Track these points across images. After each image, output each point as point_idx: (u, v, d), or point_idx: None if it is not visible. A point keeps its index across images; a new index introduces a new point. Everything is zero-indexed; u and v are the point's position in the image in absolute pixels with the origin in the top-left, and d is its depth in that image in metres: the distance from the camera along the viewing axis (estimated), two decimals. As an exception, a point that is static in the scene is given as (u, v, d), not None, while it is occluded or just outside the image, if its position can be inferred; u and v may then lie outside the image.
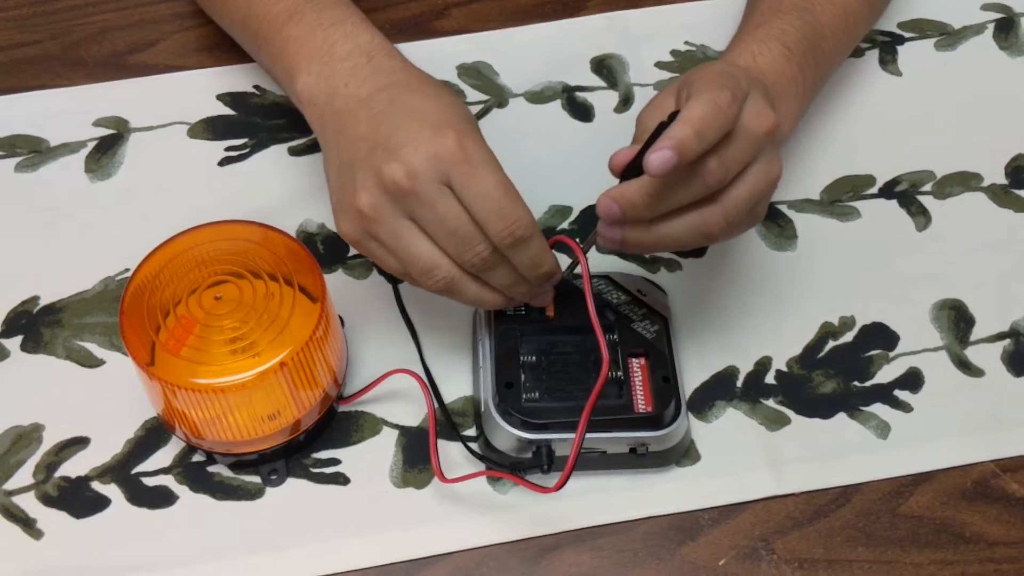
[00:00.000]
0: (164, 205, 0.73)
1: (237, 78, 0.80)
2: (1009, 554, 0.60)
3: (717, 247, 0.72)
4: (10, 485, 0.62)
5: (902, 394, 0.66)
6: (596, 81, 0.81)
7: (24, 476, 0.63)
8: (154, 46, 0.83)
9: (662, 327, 0.64)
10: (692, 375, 0.66)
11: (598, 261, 0.70)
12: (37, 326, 0.68)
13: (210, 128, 0.78)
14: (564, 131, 0.78)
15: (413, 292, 0.67)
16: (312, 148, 0.76)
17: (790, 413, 0.65)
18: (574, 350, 0.62)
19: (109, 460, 0.63)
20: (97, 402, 0.65)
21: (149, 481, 0.62)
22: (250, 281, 0.60)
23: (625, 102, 0.79)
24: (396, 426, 0.65)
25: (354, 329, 0.68)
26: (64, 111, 0.78)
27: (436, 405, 0.64)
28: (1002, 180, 0.75)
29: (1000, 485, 0.63)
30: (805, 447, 0.64)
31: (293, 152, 0.76)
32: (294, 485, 0.62)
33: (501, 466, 0.61)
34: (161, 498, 0.62)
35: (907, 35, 0.83)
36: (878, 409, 0.65)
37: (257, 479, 0.62)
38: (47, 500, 0.62)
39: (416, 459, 0.63)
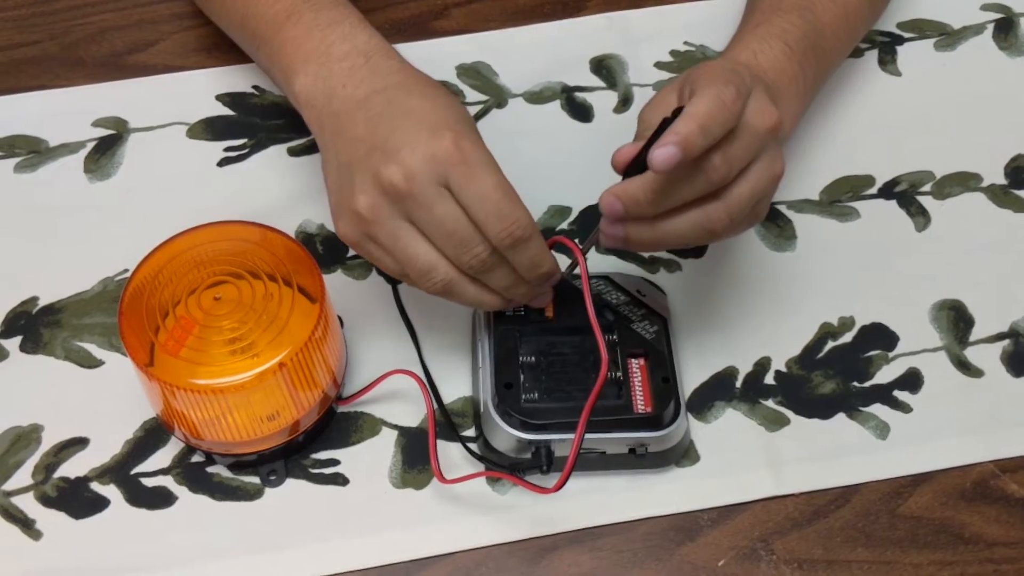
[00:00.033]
0: (163, 205, 0.73)
1: (236, 78, 0.80)
2: (1008, 554, 0.60)
3: (716, 247, 0.72)
4: (9, 486, 0.62)
5: (901, 394, 0.66)
6: (595, 81, 0.81)
7: (23, 477, 0.63)
8: (153, 46, 0.83)
9: (661, 327, 0.64)
10: (691, 375, 0.66)
11: (597, 262, 0.70)
12: (36, 326, 0.68)
13: (209, 128, 0.78)
14: (563, 131, 0.78)
15: (412, 293, 0.67)
16: (311, 149, 0.76)
17: (789, 413, 0.65)
18: (573, 351, 0.62)
19: (108, 461, 0.63)
20: (96, 403, 0.65)
21: (148, 482, 0.62)
22: (249, 282, 0.60)
23: (624, 102, 0.79)
24: (395, 427, 0.65)
25: (353, 330, 0.68)
26: (63, 111, 0.78)
27: (435, 406, 0.64)
28: (1001, 180, 0.75)
29: (999, 485, 0.63)
30: (804, 447, 0.64)
31: (292, 153, 0.76)
32: (293, 486, 0.62)
33: (500, 467, 0.61)
34: (160, 499, 0.62)
35: (906, 35, 0.83)
36: (877, 409, 0.65)
37: (256, 480, 0.62)
38: (46, 501, 0.62)
39: (415, 460, 0.63)
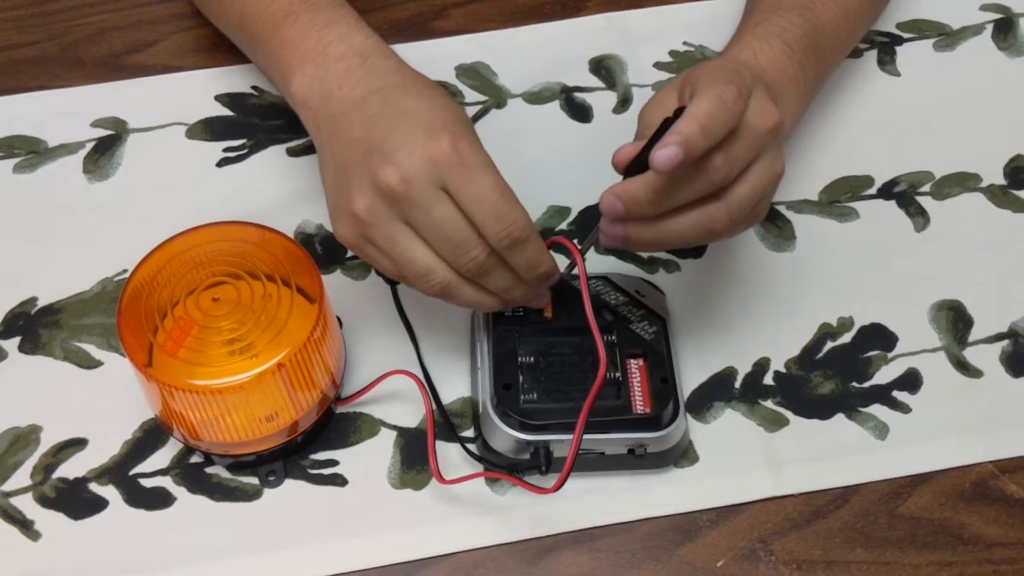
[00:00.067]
0: (162, 206, 0.73)
1: (235, 79, 0.80)
2: (1007, 555, 0.60)
3: (715, 248, 0.72)
4: (8, 486, 0.62)
5: (901, 395, 0.66)
6: (595, 82, 0.81)
7: (22, 477, 0.63)
8: (152, 47, 0.83)
9: (660, 328, 0.64)
10: (690, 376, 0.66)
11: (596, 262, 0.70)
12: (35, 327, 0.68)
13: (208, 129, 0.78)
14: (562, 132, 0.78)
15: (411, 293, 0.67)
16: (310, 149, 0.76)
17: (788, 414, 0.65)
18: (572, 351, 0.62)
19: (107, 461, 0.63)
20: (95, 403, 0.65)
21: (147, 482, 0.62)
22: (248, 282, 0.60)
23: (624, 103, 0.79)
24: (394, 427, 0.64)
25: (352, 330, 0.68)
26: (62, 112, 0.78)
27: (434, 406, 0.64)
28: (1000, 181, 0.75)
29: (998, 486, 0.63)
30: (803, 448, 0.64)
31: (291, 153, 0.76)
32: (292, 486, 0.62)
33: (499, 467, 0.61)
34: (159, 499, 0.62)
35: (906, 35, 0.83)
36: (876, 410, 0.65)
37: (255, 480, 0.62)
38: (45, 501, 0.62)
39: (414, 460, 0.63)
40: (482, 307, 0.60)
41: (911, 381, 0.66)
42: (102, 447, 0.64)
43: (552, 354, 0.62)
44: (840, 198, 0.74)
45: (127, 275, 0.60)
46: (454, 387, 0.66)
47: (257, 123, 0.78)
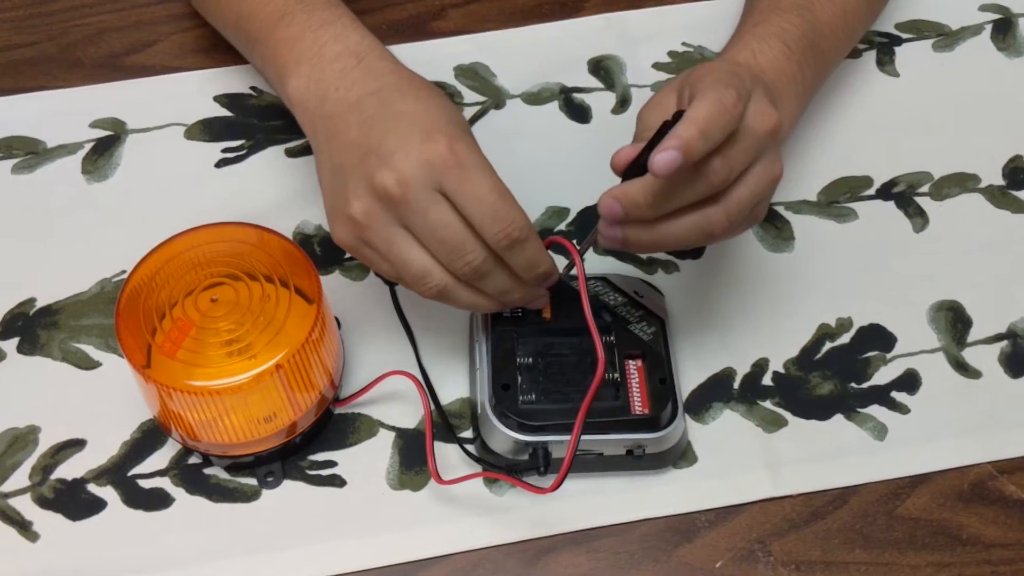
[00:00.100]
0: (161, 206, 0.73)
1: (234, 79, 0.80)
2: (1006, 556, 0.60)
3: (714, 248, 0.72)
4: (6, 487, 0.62)
5: (899, 395, 0.66)
6: (593, 82, 0.81)
7: (20, 478, 0.63)
8: (151, 47, 0.83)
9: (659, 329, 0.64)
10: (689, 377, 0.66)
11: (595, 263, 0.70)
12: (34, 328, 0.68)
13: (207, 129, 0.78)
14: (561, 132, 0.78)
15: (410, 294, 0.67)
16: (309, 150, 0.75)
17: (787, 415, 0.65)
18: (571, 352, 0.62)
19: (105, 462, 0.63)
20: (93, 404, 0.65)
21: (145, 483, 0.62)
22: (246, 283, 0.60)
23: (622, 103, 0.79)
24: (393, 428, 0.64)
25: (351, 331, 0.68)
26: (61, 112, 0.78)
27: (433, 407, 0.64)
28: (999, 181, 0.75)
29: (997, 487, 0.63)
30: (802, 449, 0.64)
31: (290, 153, 0.76)
32: (290, 487, 0.62)
33: (498, 468, 0.61)
34: (157, 500, 0.62)
35: (905, 36, 0.83)
36: (875, 411, 0.65)
37: (253, 481, 0.62)
38: (43, 502, 0.62)
39: (413, 461, 0.63)
40: (479, 309, 0.60)
41: (910, 382, 0.66)
42: (100, 448, 0.64)
43: (551, 355, 0.62)
44: (839, 199, 0.74)
45: (125, 276, 0.60)
46: (453, 388, 0.66)
47: (256, 124, 0.78)
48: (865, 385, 0.66)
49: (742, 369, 0.67)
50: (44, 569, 0.59)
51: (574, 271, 0.59)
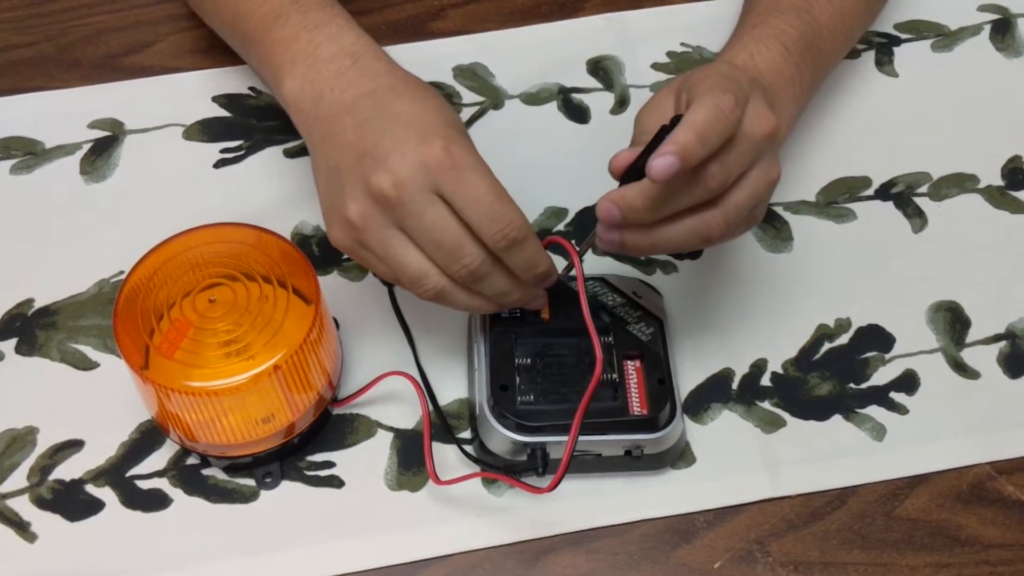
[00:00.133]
0: (159, 207, 0.73)
1: (232, 80, 0.80)
2: (1005, 556, 0.60)
3: (713, 249, 0.72)
4: (4, 488, 0.62)
5: (898, 396, 0.66)
6: (592, 83, 0.81)
7: (18, 479, 0.63)
8: (149, 48, 0.83)
9: (657, 329, 0.64)
10: (687, 377, 0.66)
11: (593, 263, 0.70)
12: (32, 329, 0.68)
13: (205, 130, 0.78)
14: (560, 133, 0.78)
15: (408, 294, 0.66)
16: (307, 150, 0.76)
17: (786, 415, 0.65)
18: (569, 352, 0.62)
19: (103, 463, 0.63)
20: (91, 405, 0.65)
21: (143, 484, 0.62)
22: (244, 284, 0.60)
23: (621, 104, 0.79)
24: (391, 429, 0.64)
25: (349, 331, 0.68)
26: (59, 113, 0.78)
27: (431, 408, 0.64)
28: (998, 182, 0.75)
29: (996, 487, 0.63)
30: (801, 449, 0.64)
31: (288, 154, 0.76)
32: (288, 488, 0.62)
33: (496, 468, 0.61)
34: (155, 501, 0.62)
35: (903, 36, 0.83)
36: (874, 411, 0.65)
37: (251, 482, 0.62)
38: (41, 503, 0.62)
39: (411, 462, 0.63)
40: (477, 311, 0.60)
41: (908, 382, 0.66)
42: (98, 449, 0.63)
43: (549, 355, 0.62)
44: (837, 199, 0.74)
45: (124, 276, 0.60)
46: (451, 388, 0.66)
47: (254, 124, 0.78)
48: (864, 386, 0.66)
49: (741, 370, 0.67)
50: (42, 570, 0.59)
51: (573, 272, 0.59)
